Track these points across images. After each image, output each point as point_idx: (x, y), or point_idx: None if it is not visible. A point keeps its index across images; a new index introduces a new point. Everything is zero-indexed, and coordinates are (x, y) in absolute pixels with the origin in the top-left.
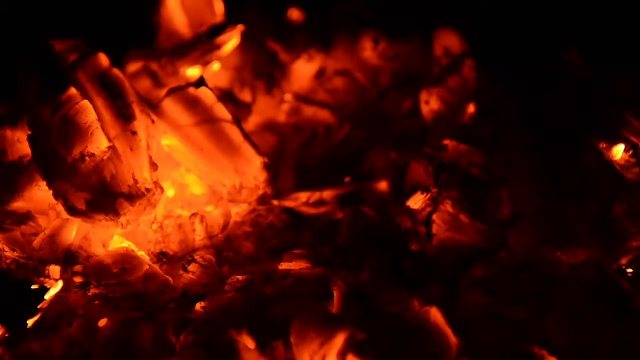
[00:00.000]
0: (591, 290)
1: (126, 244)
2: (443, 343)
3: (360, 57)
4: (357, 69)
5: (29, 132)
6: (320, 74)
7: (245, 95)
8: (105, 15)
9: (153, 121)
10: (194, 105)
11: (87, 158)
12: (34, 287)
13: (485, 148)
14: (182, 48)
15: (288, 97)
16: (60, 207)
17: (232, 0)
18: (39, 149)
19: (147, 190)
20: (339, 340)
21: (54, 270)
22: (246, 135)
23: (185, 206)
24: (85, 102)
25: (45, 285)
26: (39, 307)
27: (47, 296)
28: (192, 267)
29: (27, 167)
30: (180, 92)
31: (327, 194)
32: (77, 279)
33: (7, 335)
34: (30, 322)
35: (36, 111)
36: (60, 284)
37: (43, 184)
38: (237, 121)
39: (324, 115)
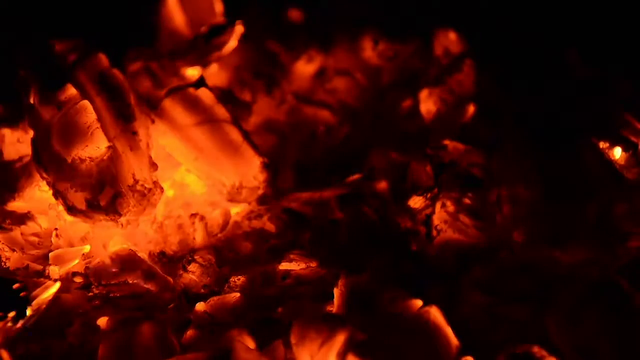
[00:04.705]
0: (591, 290)
1: (126, 244)
2: (443, 343)
3: (360, 57)
4: (357, 69)
5: (31, 133)
6: (320, 74)
7: (245, 95)
8: (105, 15)
9: (153, 121)
10: (194, 105)
11: (87, 158)
12: (22, 294)
13: (485, 148)
14: (182, 48)
15: (288, 97)
16: (60, 207)
17: (232, 0)
18: (39, 149)
19: (147, 190)
20: (339, 340)
21: (54, 270)
22: (246, 135)
23: (185, 206)
24: (85, 102)
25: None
26: (34, 308)
27: (41, 298)
28: (192, 267)
29: (27, 167)
30: (180, 92)
31: (327, 194)
32: (77, 279)
33: (7, 335)
34: (24, 322)
35: (36, 111)
36: (57, 285)
37: (43, 184)
38: (237, 121)
39: (324, 115)
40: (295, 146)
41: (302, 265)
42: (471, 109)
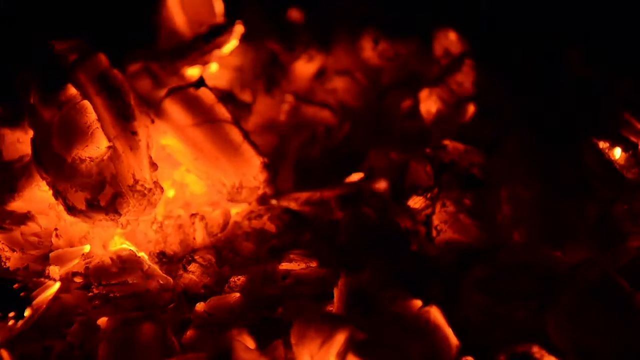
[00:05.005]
0: (591, 290)
1: (126, 244)
2: (443, 343)
3: (360, 57)
4: (357, 69)
5: (31, 133)
6: (320, 74)
7: (246, 96)
8: (105, 15)
9: (153, 121)
10: (194, 105)
11: (87, 158)
12: (22, 294)
13: (485, 148)
14: (182, 48)
15: (288, 97)
16: (60, 207)
17: (232, 0)
18: (39, 149)
19: (147, 190)
20: (339, 340)
21: (54, 270)
22: (246, 135)
23: (185, 206)
24: (85, 102)
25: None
26: (34, 308)
27: (41, 298)
28: (192, 267)
29: (27, 167)
30: (180, 92)
31: (327, 194)
32: (77, 279)
33: (7, 335)
34: (24, 322)
35: (36, 111)
36: (57, 285)
37: (43, 184)
38: (237, 121)
39: (324, 115)
40: (295, 146)
41: (302, 265)
42: (471, 109)
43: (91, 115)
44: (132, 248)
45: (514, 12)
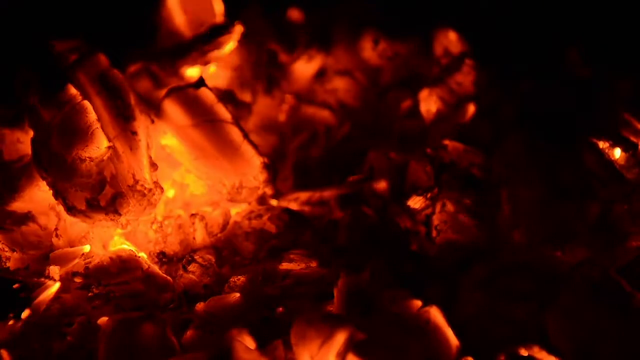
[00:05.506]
0: (591, 290)
1: (126, 244)
2: (443, 343)
3: (360, 57)
4: (357, 69)
5: (31, 133)
6: (320, 74)
7: (246, 96)
8: (105, 15)
9: (153, 121)
10: (194, 105)
11: (87, 158)
12: (22, 294)
13: (485, 148)
14: (182, 48)
15: (288, 97)
16: (60, 207)
17: (232, 0)
18: (39, 149)
19: (147, 190)
20: (339, 340)
21: (54, 270)
22: (246, 135)
23: (185, 206)
24: (85, 102)
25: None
26: (34, 308)
27: (41, 298)
28: (192, 267)
29: (27, 167)
30: (180, 92)
31: (327, 194)
32: (77, 280)
33: (7, 335)
34: (24, 323)
35: (37, 112)
36: (57, 285)
37: (43, 184)
38: (237, 121)
39: (324, 115)
40: (295, 146)
41: (302, 265)
42: (471, 109)
43: (91, 115)
44: (132, 248)
45: (514, 12)
